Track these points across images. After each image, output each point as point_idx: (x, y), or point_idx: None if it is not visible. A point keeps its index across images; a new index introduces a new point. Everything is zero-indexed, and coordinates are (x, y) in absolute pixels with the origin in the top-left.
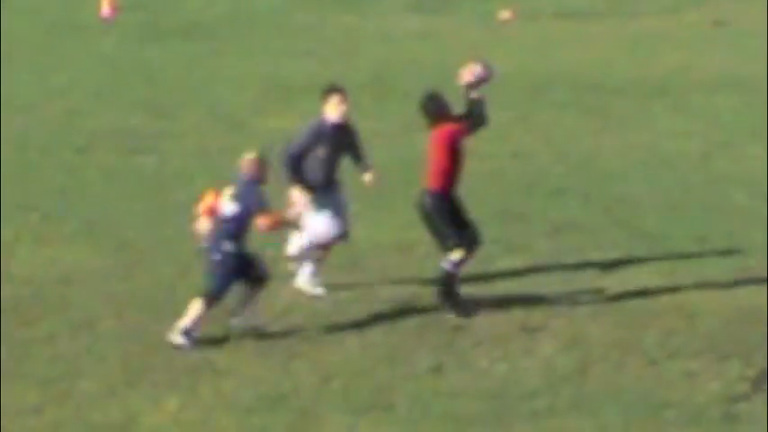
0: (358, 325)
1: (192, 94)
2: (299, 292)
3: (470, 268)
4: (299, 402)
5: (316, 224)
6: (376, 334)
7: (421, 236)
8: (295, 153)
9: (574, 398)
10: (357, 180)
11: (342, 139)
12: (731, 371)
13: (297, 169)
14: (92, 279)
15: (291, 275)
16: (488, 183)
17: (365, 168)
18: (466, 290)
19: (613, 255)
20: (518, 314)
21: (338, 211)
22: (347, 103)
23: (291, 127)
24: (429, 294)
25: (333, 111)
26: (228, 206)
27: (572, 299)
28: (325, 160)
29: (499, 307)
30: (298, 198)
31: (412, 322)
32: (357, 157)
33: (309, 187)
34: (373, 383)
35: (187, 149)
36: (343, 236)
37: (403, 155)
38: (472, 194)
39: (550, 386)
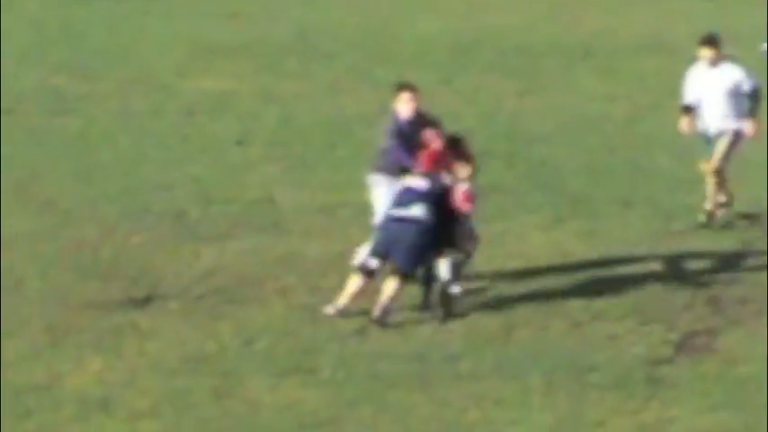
0: (282, 286)
1: (116, 55)
2: (223, 253)
3: None
4: (223, 364)
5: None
6: (300, 296)
7: (345, 198)
8: (394, 145)
9: (497, 361)
10: (277, 140)
11: (416, 133)
12: (654, 334)
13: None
14: (17, 240)
15: (219, 237)
16: None
17: None
18: None
19: (537, 217)
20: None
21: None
22: (418, 99)
23: (215, 88)
24: (353, 255)
25: (403, 107)
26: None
27: (495, 263)
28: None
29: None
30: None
31: (336, 284)
32: None
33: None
34: (297, 345)
35: (112, 111)
36: None
37: (327, 116)
38: None
39: (474, 349)
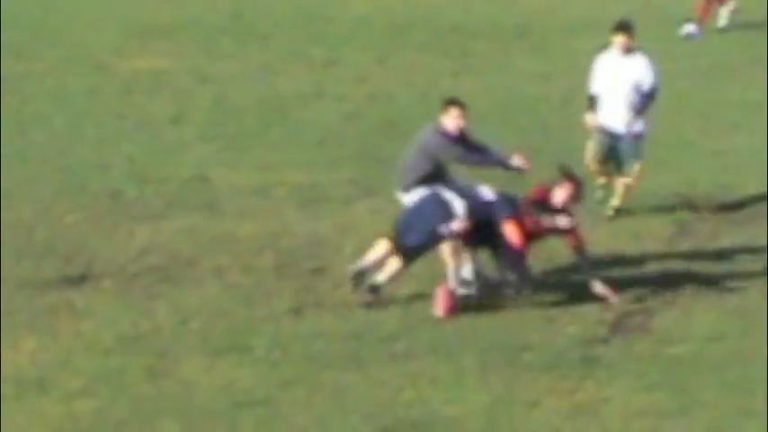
0: (217, 266)
1: (52, 34)
2: (158, 233)
3: (329, 209)
4: (158, 343)
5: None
6: (234, 276)
7: (279, 178)
8: (464, 153)
9: (432, 341)
10: (211, 120)
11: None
12: (589, 315)
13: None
14: None
15: (154, 216)
16: (346, 125)
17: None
18: (322, 233)
19: None
20: None
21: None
22: (466, 117)
23: (151, 68)
24: (288, 236)
25: (450, 123)
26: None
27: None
28: (438, 166)
29: (357, 248)
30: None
31: (271, 264)
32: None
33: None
34: (232, 325)
35: (47, 90)
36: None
37: (261, 96)
38: (330, 137)
39: (409, 329)
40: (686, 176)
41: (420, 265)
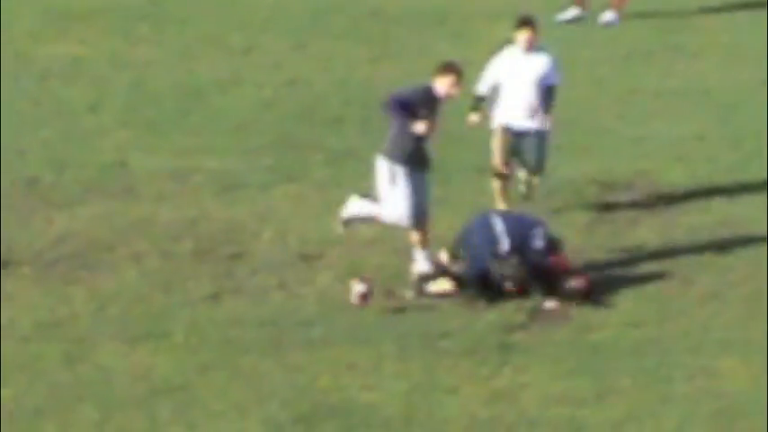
0: (134, 252)
1: None
2: (75, 219)
3: (247, 196)
4: (76, 330)
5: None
6: (152, 261)
7: (197, 163)
8: (401, 99)
9: (350, 327)
10: (129, 106)
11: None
12: (508, 301)
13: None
14: None
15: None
16: (264, 111)
17: None
18: (240, 219)
19: None
20: (295, 243)
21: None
22: (461, 87)
23: (68, 53)
24: (206, 222)
25: (443, 87)
26: None
27: (350, 228)
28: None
29: (276, 235)
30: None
31: (188, 250)
32: None
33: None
34: (149, 311)
35: None
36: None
37: (179, 82)
38: (248, 123)
39: (327, 315)
40: (604, 163)
41: (337, 249)
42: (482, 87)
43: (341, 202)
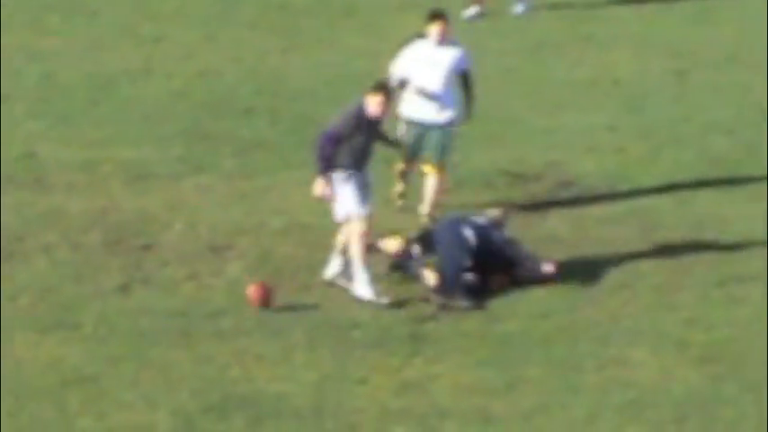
0: (45, 243)
1: None
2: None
3: (157, 186)
4: None
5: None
6: (62, 252)
7: (107, 154)
8: (333, 136)
9: (259, 318)
10: (39, 96)
11: (376, 131)
12: (418, 292)
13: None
14: None
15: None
16: (174, 102)
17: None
18: (151, 209)
19: (301, 173)
20: (205, 233)
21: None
22: (391, 105)
23: None
24: (116, 212)
25: (371, 106)
26: None
27: (260, 218)
28: (359, 148)
29: (186, 226)
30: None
31: (98, 241)
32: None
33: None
34: (59, 301)
35: None
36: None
37: (89, 72)
38: (158, 113)
39: (237, 306)
40: (514, 154)
41: (247, 240)
42: (393, 80)
43: (250, 192)
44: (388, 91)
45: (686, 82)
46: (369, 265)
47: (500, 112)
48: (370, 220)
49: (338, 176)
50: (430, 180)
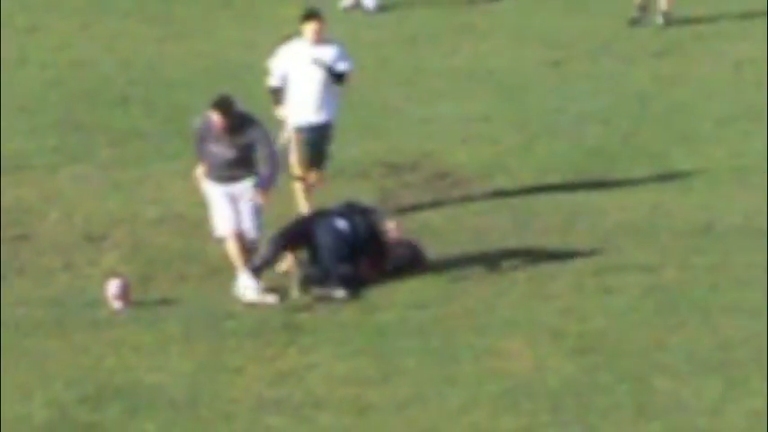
0: None
1: None
2: None
3: (32, 176)
4: None
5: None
6: None
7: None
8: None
9: (136, 308)
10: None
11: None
12: (294, 281)
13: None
14: None
15: None
16: (49, 92)
17: None
18: (26, 200)
19: (176, 164)
20: (80, 223)
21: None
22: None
23: None
24: None
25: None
26: None
27: (135, 208)
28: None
29: (61, 216)
30: None
31: None
32: None
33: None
34: None
35: None
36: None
37: None
38: (33, 104)
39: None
40: (391, 144)
41: (122, 230)
42: (274, 80)
43: (125, 182)
44: (225, 108)
45: (561, 72)
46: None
47: (376, 102)
48: (242, 236)
49: (209, 189)
50: (311, 180)
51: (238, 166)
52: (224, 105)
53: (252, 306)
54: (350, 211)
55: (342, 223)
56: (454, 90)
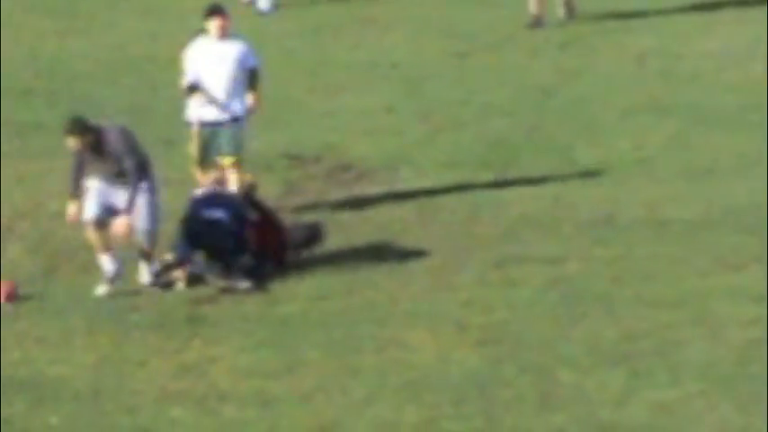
0: None
1: None
2: None
3: None
4: None
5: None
6: None
7: None
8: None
9: (38, 301)
10: None
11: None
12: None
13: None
14: None
15: None
16: None
17: None
18: None
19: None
20: None
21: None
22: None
23: None
24: None
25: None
26: None
27: (39, 201)
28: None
29: None
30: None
31: None
32: None
33: None
34: None
35: None
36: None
37: None
38: None
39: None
40: (294, 136)
41: (26, 223)
42: (189, 77)
43: (29, 174)
44: (81, 131)
45: (465, 64)
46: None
47: (279, 94)
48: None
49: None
50: (231, 176)
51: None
52: (77, 128)
53: (155, 298)
54: (217, 200)
55: (220, 213)
56: (357, 82)
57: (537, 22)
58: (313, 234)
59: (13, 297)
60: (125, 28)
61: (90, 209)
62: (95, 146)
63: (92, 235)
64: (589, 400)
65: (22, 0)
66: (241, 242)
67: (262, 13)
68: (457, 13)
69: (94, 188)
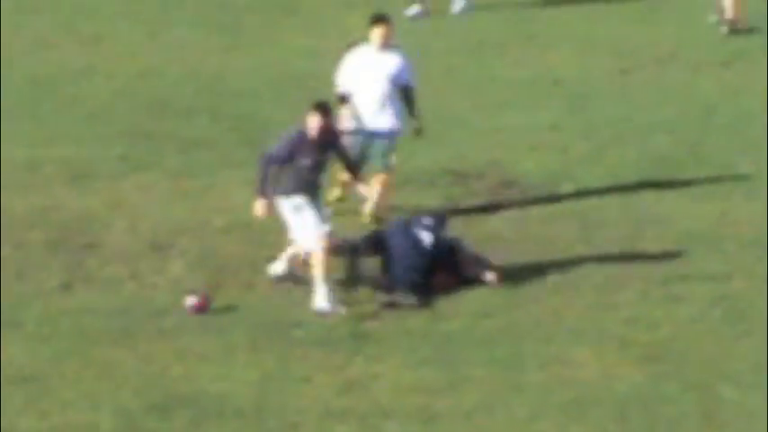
0: None
1: None
2: None
3: (99, 185)
4: None
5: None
6: (5, 251)
7: (49, 153)
8: (269, 158)
9: (201, 317)
10: None
11: (325, 153)
12: (361, 291)
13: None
14: None
15: None
16: (116, 101)
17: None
18: (93, 209)
19: (242, 172)
20: (147, 232)
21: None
22: (329, 123)
23: None
24: (58, 211)
25: (310, 128)
26: None
27: (202, 217)
28: (304, 172)
29: (128, 225)
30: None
31: (41, 240)
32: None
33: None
34: (2, 301)
35: None
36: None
37: (32, 71)
38: (100, 112)
39: (178, 304)
40: (458, 152)
41: (188, 239)
42: (342, 86)
43: (192, 191)
44: (326, 110)
45: (628, 81)
46: (329, 279)
47: (442, 111)
48: (331, 237)
49: (286, 204)
50: (376, 187)
51: (319, 178)
52: (325, 108)
53: (319, 315)
54: (438, 225)
55: (424, 234)
56: (521, 99)
57: (733, 26)
58: (483, 280)
59: (205, 309)
60: (288, 44)
61: (321, 221)
62: (326, 132)
63: (325, 248)
64: (753, 418)
65: (187, 18)
66: (422, 265)
67: (457, 15)
68: (620, 30)
69: (306, 206)
